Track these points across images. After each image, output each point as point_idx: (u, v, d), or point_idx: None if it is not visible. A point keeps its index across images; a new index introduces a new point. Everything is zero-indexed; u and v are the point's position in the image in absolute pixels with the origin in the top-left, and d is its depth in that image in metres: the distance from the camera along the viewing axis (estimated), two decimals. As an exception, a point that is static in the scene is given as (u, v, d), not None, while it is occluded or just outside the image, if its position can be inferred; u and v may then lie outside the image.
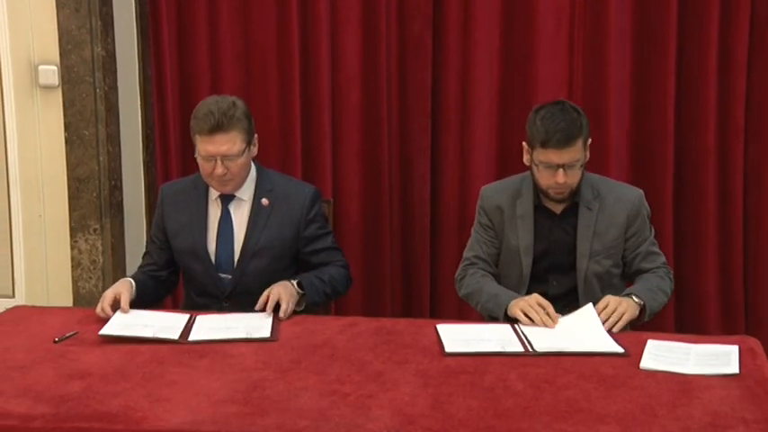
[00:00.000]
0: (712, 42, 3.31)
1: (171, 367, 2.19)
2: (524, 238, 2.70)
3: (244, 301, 2.64)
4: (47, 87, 3.60)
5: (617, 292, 2.57)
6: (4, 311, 2.74)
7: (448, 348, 2.28)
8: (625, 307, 2.45)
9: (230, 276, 2.79)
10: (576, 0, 3.38)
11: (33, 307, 2.91)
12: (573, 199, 2.69)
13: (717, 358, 2.19)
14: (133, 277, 2.76)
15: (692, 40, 3.36)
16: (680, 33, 3.36)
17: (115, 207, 3.70)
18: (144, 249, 3.02)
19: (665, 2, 3.33)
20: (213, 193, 2.82)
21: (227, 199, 2.80)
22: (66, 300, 3.70)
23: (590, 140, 2.70)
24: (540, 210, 2.72)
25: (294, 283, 2.64)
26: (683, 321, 3.48)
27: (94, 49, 3.53)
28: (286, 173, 3.29)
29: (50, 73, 3.58)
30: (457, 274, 2.83)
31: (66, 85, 3.57)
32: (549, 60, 3.42)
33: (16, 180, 3.70)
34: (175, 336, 2.39)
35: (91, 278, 3.67)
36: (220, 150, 2.65)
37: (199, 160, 2.71)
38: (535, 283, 2.69)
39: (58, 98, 3.59)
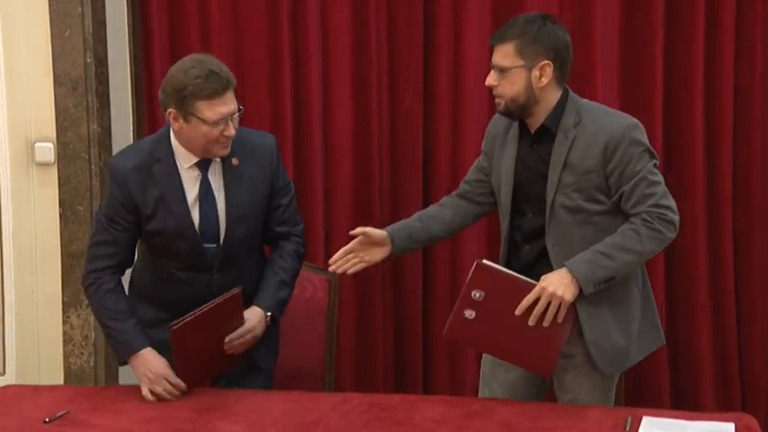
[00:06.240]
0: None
1: (162, 448, 2.17)
2: (507, 164, 2.55)
3: (231, 271, 2.56)
4: (43, 164, 3.62)
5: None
6: (-6, 391, 2.71)
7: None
8: (560, 295, 2.31)
9: (215, 245, 2.62)
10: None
11: (23, 386, 2.89)
12: (545, 125, 2.48)
13: (713, 435, 2.18)
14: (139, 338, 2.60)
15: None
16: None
17: (108, 282, 3.68)
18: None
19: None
20: (186, 161, 2.59)
21: (204, 164, 2.60)
22: (57, 375, 3.66)
23: (545, 62, 2.42)
24: (523, 134, 2.55)
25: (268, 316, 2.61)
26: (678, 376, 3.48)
27: (90, 126, 3.57)
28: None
29: (47, 150, 3.59)
30: None
31: (61, 161, 3.59)
32: None
33: (10, 255, 3.69)
34: None
35: (82, 354, 3.64)
36: (232, 108, 2.49)
37: (202, 129, 2.48)
38: (514, 214, 2.57)
39: (53, 175, 3.61)
